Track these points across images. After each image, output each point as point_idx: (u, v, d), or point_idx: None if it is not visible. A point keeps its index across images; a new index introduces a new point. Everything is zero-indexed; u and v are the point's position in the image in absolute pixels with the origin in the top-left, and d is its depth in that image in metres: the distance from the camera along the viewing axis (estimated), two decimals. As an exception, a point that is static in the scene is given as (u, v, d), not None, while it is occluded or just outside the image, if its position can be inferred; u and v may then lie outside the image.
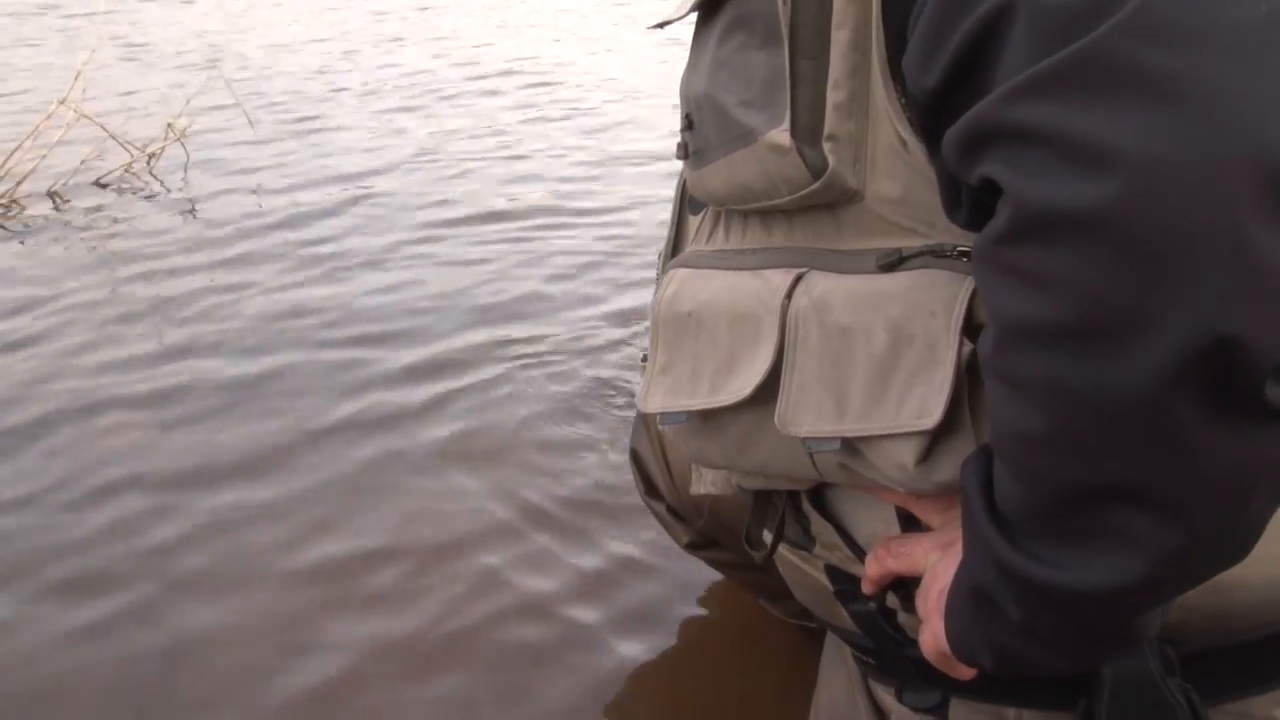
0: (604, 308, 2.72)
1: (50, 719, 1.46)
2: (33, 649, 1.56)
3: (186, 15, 7.33)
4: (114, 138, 3.80)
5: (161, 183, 3.72)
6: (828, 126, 0.77)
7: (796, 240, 0.85)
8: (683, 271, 0.92)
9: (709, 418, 0.88)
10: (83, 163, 3.70)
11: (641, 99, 4.79)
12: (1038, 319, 0.56)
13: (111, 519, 1.86)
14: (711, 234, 0.94)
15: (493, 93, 5.10)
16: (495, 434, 2.13)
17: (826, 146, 0.77)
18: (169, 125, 3.90)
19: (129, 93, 4.97)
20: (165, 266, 2.98)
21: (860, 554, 0.90)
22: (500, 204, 3.52)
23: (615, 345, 2.50)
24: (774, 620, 1.57)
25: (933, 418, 0.72)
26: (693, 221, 1.00)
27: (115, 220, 3.36)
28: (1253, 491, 0.56)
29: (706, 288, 0.89)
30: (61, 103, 3.71)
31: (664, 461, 1.41)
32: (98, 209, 3.46)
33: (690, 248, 0.97)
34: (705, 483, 1.03)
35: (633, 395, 2.19)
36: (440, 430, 2.14)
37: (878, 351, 0.76)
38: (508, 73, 5.52)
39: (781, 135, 0.78)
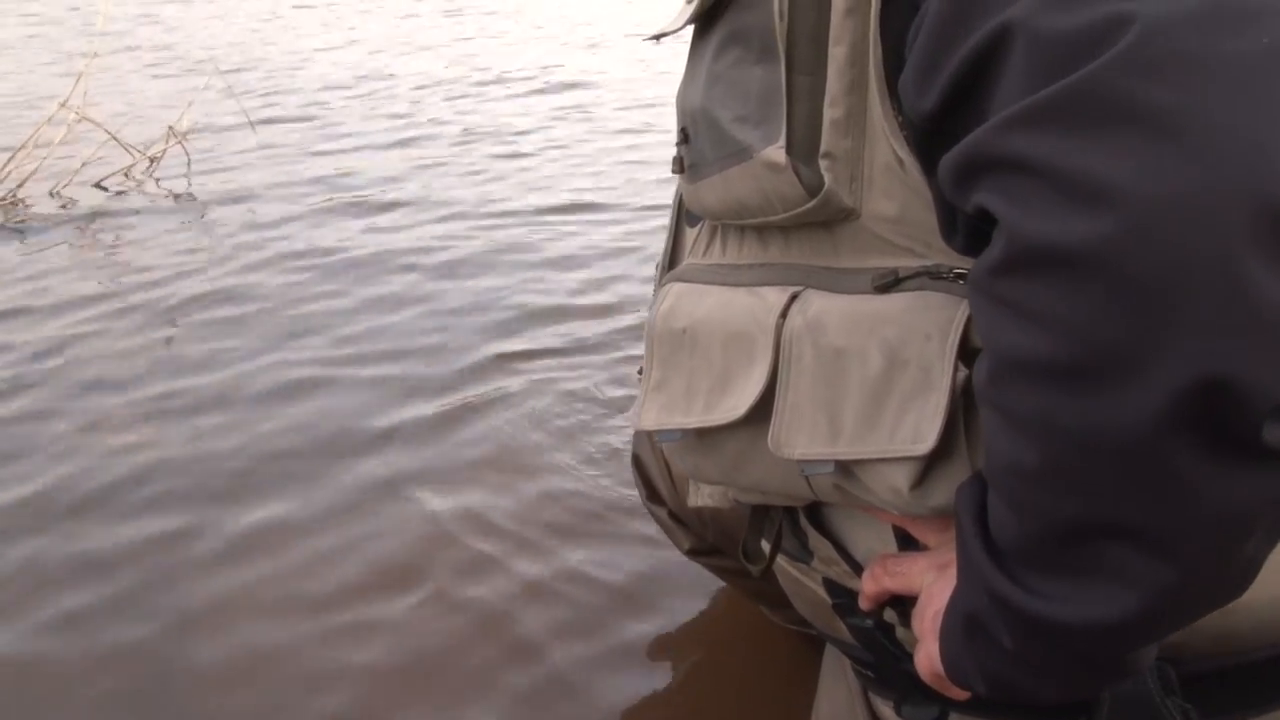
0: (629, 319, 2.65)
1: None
2: (43, 680, 1.52)
3: (189, 16, 7.33)
4: (115, 139, 3.81)
5: (161, 185, 3.72)
6: (824, 144, 0.76)
7: (793, 257, 0.84)
8: (678, 286, 0.92)
9: (704, 435, 0.88)
10: (84, 165, 3.71)
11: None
12: (1031, 354, 0.55)
13: (109, 522, 1.86)
14: (708, 247, 0.94)
15: (510, 95, 5.07)
16: (517, 451, 2.07)
17: (823, 164, 0.77)
18: (170, 128, 3.90)
19: (132, 95, 4.97)
20: (164, 271, 2.98)
21: (858, 569, 0.89)
22: (514, 205, 3.49)
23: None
24: (775, 627, 1.57)
25: (927, 443, 0.72)
26: (690, 233, 0.99)
27: (115, 223, 3.36)
28: (1248, 531, 0.55)
29: (702, 304, 0.88)
30: (63, 105, 3.71)
31: (665, 467, 1.40)
32: (98, 211, 3.46)
33: (687, 260, 0.97)
34: (703, 495, 1.03)
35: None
36: (453, 447, 2.09)
37: (872, 374, 0.75)
38: (528, 78, 5.48)
39: (777, 153, 0.77)
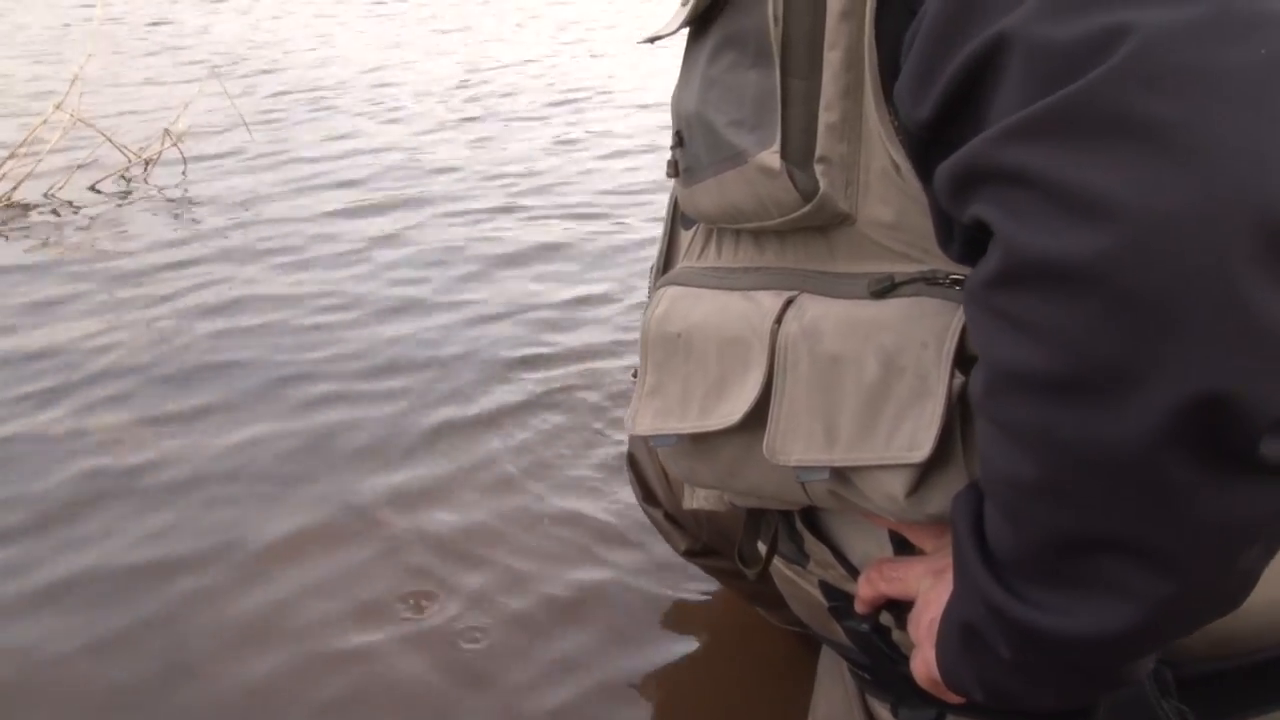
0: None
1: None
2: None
3: (192, 16, 7.32)
4: (110, 141, 3.80)
5: (156, 187, 3.72)
6: (819, 148, 0.76)
7: (788, 261, 0.84)
8: (673, 290, 0.91)
9: (699, 440, 0.87)
10: (79, 167, 3.70)
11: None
12: (1027, 367, 0.55)
13: (108, 526, 1.86)
14: (703, 250, 0.93)
15: (524, 97, 5.04)
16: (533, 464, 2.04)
17: (818, 169, 0.76)
18: (166, 130, 3.89)
19: (128, 96, 4.96)
20: (158, 274, 2.96)
21: (854, 573, 0.89)
22: (520, 210, 3.46)
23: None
24: (771, 628, 1.57)
25: (923, 451, 0.72)
26: (684, 236, 0.99)
27: (110, 225, 3.35)
28: (1246, 545, 0.55)
29: (696, 308, 0.88)
30: (57, 107, 3.70)
31: (661, 469, 1.40)
32: (93, 213, 3.45)
33: (682, 263, 0.96)
34: (698, 498, 1.03)
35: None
36: (461, 460, 2.06)
37: (868, 381, 0.75)
38: (538, 76, 5.44)
39: (772, 157, 0.77)
